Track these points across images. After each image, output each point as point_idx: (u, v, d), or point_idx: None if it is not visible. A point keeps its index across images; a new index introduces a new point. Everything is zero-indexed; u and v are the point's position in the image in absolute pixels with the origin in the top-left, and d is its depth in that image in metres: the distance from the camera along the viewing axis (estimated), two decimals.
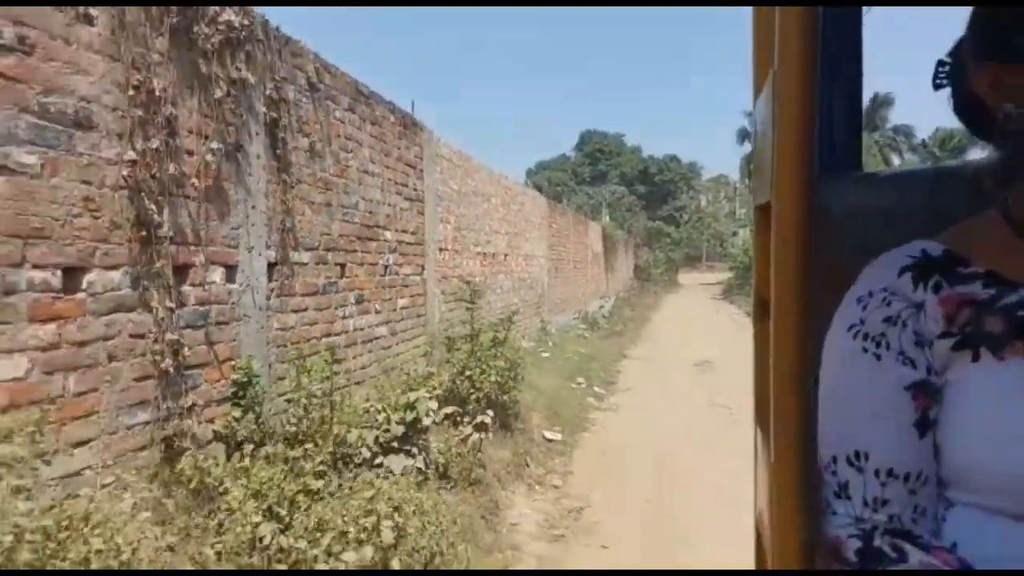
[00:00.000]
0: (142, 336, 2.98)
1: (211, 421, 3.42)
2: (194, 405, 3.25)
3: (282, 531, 2.07)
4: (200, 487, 2.49)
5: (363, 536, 2.13)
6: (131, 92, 2.83)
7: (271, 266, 3.98)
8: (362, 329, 5.27)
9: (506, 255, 10.27)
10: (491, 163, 9.50)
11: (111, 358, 2.84)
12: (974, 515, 0.65)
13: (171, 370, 3.09)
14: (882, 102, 33.75)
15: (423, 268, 6.73)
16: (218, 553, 2.06)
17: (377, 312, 5.57)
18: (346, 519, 2.20)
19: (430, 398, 3.88)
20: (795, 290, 0.78)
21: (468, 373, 5.05)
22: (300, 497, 2.25)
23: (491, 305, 9.03)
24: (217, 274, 3.49)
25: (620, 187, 44.33)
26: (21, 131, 2.39)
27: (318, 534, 2.09)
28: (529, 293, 11.60)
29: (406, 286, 6.23)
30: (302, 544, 2.04)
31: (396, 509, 2.36)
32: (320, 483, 2.40)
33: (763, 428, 0.92)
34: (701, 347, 12.32)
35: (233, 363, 3.61)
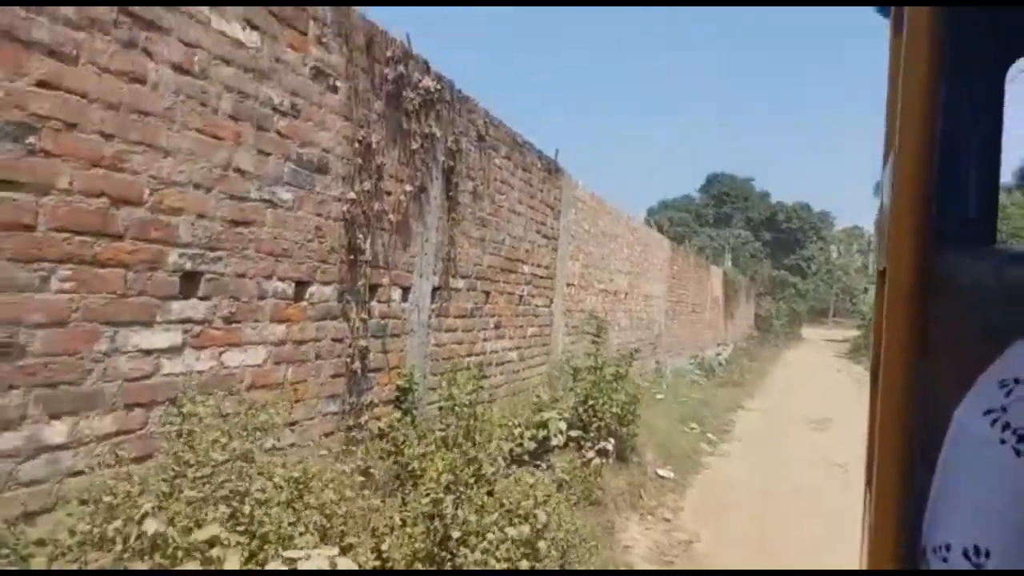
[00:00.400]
0: (340, 340, 3.66)
1: (378, 419, 4.05)
2: (370, 403, 3.90)
3: (458, 505, 2.58)
4: (394, 465, 3.06)
5: (521, 515, 2.61)
6: (355, 144, 3.56)
7: (434, 290, 4.62)
8: (496, 352, 5.83)
9: (626, 294, 10.61)
10: (613, 196, 9.94)
11: (317, 356, 3.52)
12: None
13: (358, 371, 3.75)
14: None
15: (551, 301, 7.24)
16: (403, 519, 2.60)
17: (510, 338, 6.12)
18: (510, 500, 2.69)
19: (559, 419, 4.32)
20: (903, 357, 0.78)
21: (591, 402, 5.45)
22: (472, 480, 2.77)
23: (608, 341, 9.39)
24: (396, 293, 4.16)
25: (745, 232, 43.25)
26: (285, 174, 3.13)
27: (487, 510, 2.58)
28: (645, 332, 11.82)
29: (536, 316, 6.76)
30: (473, 517, 2.54)
31: (545, 501, 2.82)
32: (492, 469, 2.91)
33: (869, 491, 0.91)
34: (821, 405, 11.96)
35: (399, 371, 4.25)
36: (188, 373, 2.68)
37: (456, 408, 4.19)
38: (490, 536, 2.48)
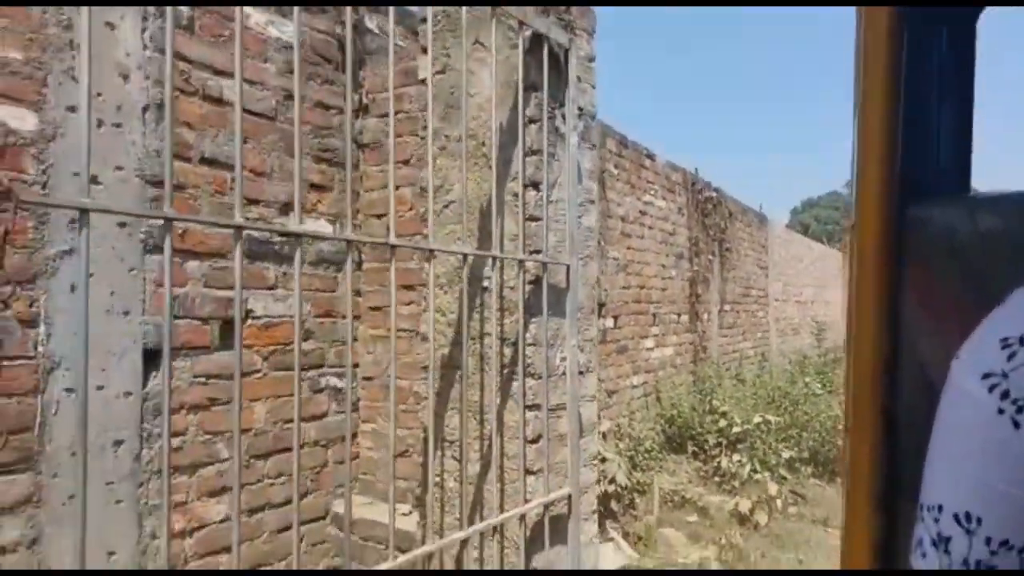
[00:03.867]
0: (692, 343, 6.86)
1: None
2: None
3: None
4: None
5: None
6: (689, 239, 6.79)
7: (719, 311, 7.73)
8: (742, 349, 8.82)
9: (812, 301, 13.14)
10: (753, 198, 12.50)
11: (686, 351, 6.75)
12: None
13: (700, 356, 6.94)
14: None
15: (767, 311, 10.11)
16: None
17: (749, 340, 9.09)
18: None
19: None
20: (876, 308, 0.77)
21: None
22: None
23: (802, 340, 11.99)
24: (714, 315, 7.33)
25: None
26: (671, 260, 6.42)
27: None
28: (828, 333, 14.17)
29: (759, 324, 9.66)
30: None
31: None
32: None
33: (847, 436, 0.86)
34: None
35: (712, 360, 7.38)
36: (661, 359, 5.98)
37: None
38: None
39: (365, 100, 2.99)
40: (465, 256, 1.73)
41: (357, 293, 2.80)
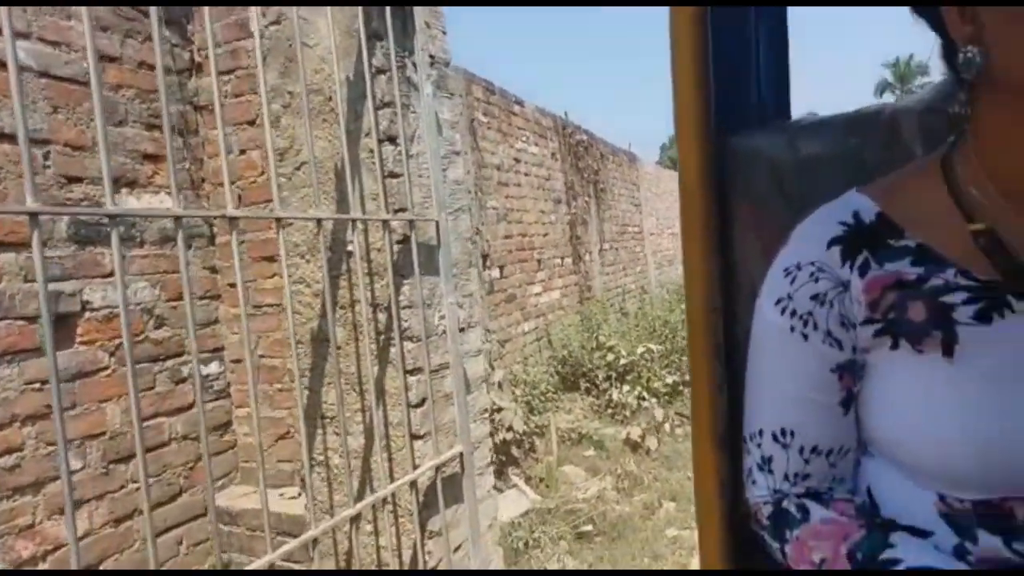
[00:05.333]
0: (575, 275, 7.03)
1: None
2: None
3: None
4: None
5: None
6: (566, 183, 6.86)
7: (600, 251, 7.94)
8: (624, 283, 9.18)
9: None
10: (621, 140, 13.02)
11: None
12: (884, 464, 0.65)
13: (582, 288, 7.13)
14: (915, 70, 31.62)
15: (644, 246, 10.54)
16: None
17: (630, 274, 9.45)
18: None
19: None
20: (701, 242, 0.77)
21: None
22: None
23: (677, 269, 12.67)
24: (595, 254, 7.50)
25: None
26: (550, 204, 6.47)
27: None
28: None
29: (637, 259, 10.07)
30: None
31: None
32: None
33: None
34: None
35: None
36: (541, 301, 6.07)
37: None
38: None
39: (197, 58, 2.70)
40: (319, 221, 1.61)
41: (213, 270, 2.58)
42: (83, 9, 1.18)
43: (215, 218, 2.21)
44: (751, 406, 0.71)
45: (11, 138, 1.99)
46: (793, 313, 0.66)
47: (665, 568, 3.04)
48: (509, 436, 4.21)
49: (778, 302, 0.68)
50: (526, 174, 5.96)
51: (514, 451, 4.32)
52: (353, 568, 1.82)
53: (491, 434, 3.39)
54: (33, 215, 1.08)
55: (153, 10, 1.29)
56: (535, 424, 4.63)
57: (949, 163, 0.65)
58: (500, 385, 4.72)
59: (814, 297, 0.65)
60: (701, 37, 0.76)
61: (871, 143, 0.78)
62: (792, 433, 0.67)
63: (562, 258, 6.72)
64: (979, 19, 0.56)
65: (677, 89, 0.77)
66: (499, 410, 4.26)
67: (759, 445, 0.70)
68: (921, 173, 0.67)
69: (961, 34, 0.58)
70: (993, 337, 0.57)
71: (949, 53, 0.62)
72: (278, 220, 1.49)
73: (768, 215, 0.80)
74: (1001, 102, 0.58)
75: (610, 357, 5.66)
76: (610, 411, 5.36)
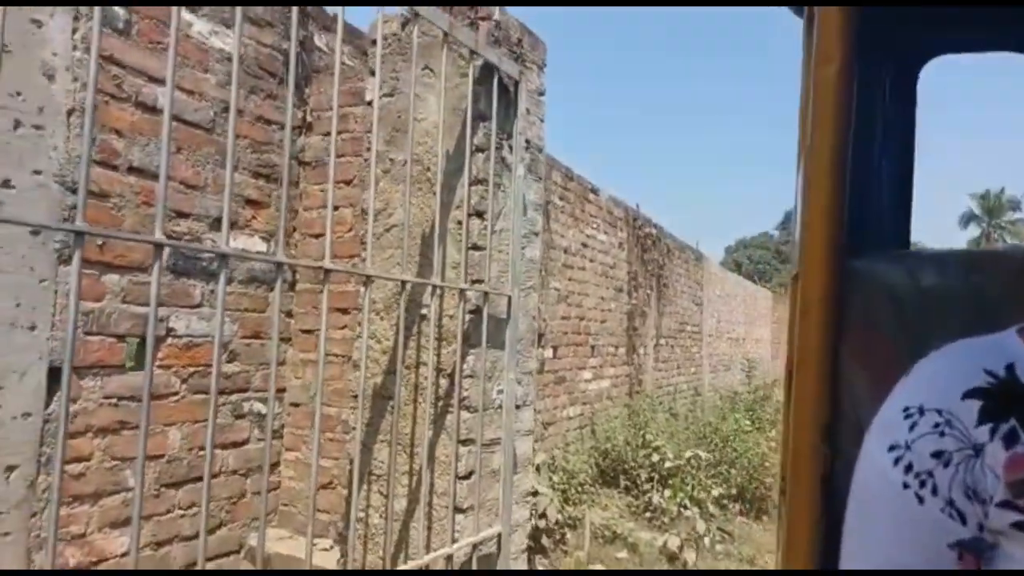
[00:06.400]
0: (628, 374, 6.94)
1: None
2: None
3: None
4: None
5: None
6: (628, 273, 6.89)
7: (655, 345, 7.85)
8: (676, 383, 8.99)
9: (743, 338, 13.55)
10: (692, 235, 12.93)
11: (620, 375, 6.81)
12: None
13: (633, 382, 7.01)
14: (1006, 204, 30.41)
15: (701, 347, 10.35)
16: None
17: (683, 374, 9.27)
18: None
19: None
20: (817, 362, 0.76)
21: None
22: None
23: (733, 376, 12.33)
24: (650, 347, 7.43)
25: None
26: (610, 293, 6.50)
27: None
28: (758, 370, 14.64)
29: (692, 359, 9.88)
30: None
31: None
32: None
33: (783, 499, 0.83)
34: None
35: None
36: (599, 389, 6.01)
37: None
38: None
39: (309, 118, 2.92)
40: (404, 283, 1.68)
41: (288, 314, 2.69)
42: (235, 68, 1.32)
43: (311, 268, 2.31)
44: (850, 555, 0.61)
45: (138, 171, 2.18)
46: (909, 468, 0.55)
47: None
48: (542, 524, 4.09)
49: (892, 448, 0.57)
50: (591, 260, 6.04)
51: (544, 540, 4.18)
52: None
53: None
54: (159, 245, 1.18)
55: (291, 76, 1.42)
56: (569, 515, 4.49)
57: None
58: (539, 469, 4.63)
59: (937, 455, 0.54)
60: (841, 149, 0.75)
61: (994, 282, 0.75)
62: None
63: (616, 347, 6.67)
64: None
65: (808, 201, 0.76)
66: (535, 494, 4.17)
67: None
68: None
69: None
70: None
71: None
72: (368, 277, 1.56)
73: (882, 343, 0.77)
74: None
75: (655, 458, 5.49)
76: (648, 514, 5.15)
